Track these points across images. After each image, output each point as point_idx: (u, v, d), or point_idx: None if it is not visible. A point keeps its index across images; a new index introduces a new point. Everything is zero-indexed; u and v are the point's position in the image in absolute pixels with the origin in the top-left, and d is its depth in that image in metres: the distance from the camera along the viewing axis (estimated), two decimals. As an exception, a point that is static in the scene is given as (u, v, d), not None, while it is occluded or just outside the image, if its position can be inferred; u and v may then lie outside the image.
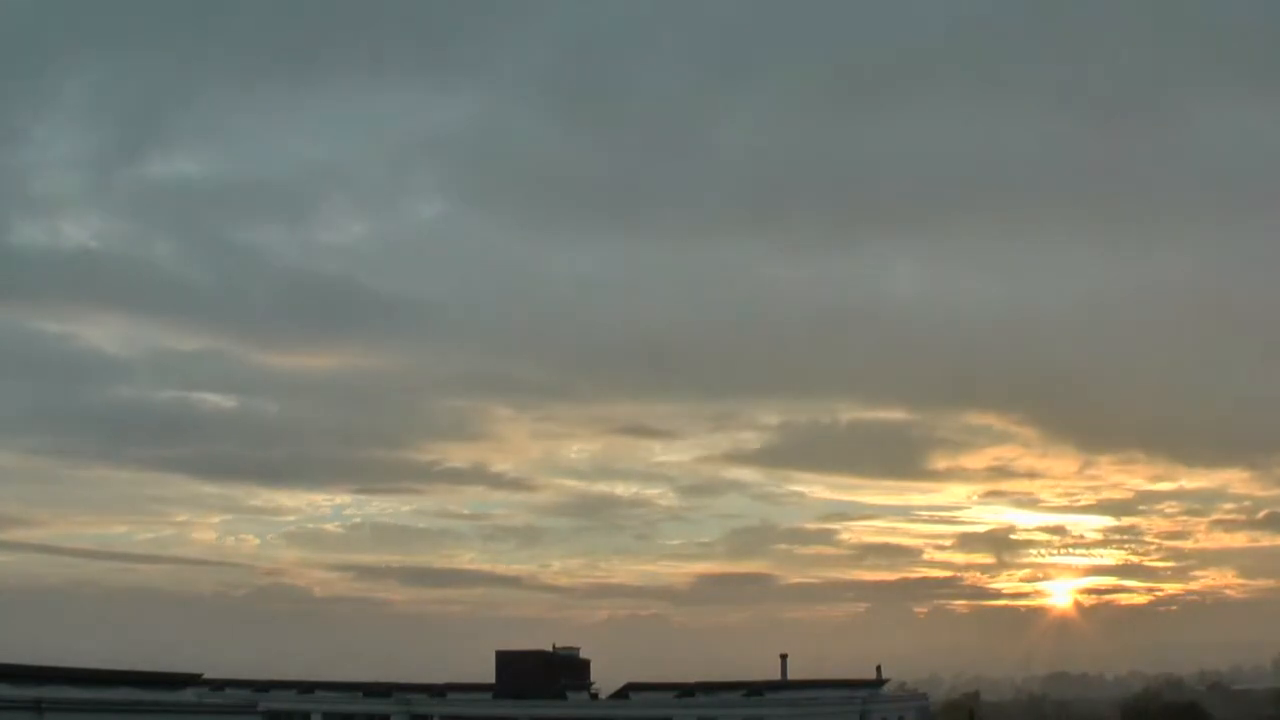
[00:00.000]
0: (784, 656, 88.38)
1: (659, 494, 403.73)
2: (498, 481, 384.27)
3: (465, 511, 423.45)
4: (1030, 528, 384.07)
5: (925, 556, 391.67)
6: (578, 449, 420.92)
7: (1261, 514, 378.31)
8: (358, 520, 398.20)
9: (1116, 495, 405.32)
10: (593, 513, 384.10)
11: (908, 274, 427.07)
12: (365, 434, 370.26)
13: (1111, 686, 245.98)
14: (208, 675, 69.54)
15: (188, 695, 63.66)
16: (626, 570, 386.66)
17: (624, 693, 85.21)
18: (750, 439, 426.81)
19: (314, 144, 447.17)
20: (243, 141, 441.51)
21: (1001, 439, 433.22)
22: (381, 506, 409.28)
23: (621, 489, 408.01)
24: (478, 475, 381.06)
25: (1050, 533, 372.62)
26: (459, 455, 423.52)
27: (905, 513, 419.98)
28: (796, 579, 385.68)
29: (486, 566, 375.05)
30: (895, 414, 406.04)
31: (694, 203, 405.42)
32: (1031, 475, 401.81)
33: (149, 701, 59.29)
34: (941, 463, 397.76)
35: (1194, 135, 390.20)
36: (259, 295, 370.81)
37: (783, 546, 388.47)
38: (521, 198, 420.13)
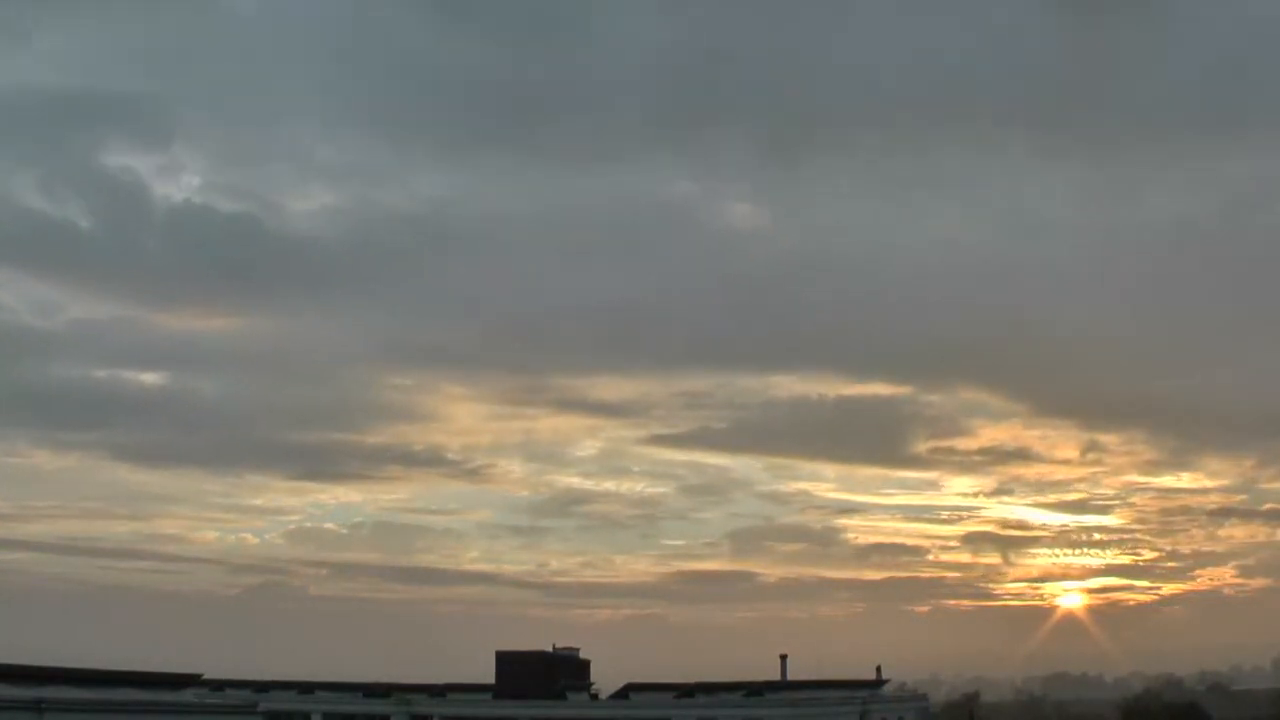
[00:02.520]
0: (784, 656, 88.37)
1: (660, 492, 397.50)
2: (458, 470, 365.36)
3: (431, 505, 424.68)
4: (1029, 527, 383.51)
5: (925, 556, 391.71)
6: (538, 432, 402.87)
7: (1264, 507, 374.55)
8: (330, 513, 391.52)
9: (1118, 491, 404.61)
10: (569, 508, 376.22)
11: (867, 210, 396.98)
12: (306, 415, 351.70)
13: (1111, 687, 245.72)
14: (208, 675, 69.53)
15: (188, 695, 63.71)
16: (626, 569, 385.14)
17: (624, 693, 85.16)
18: (727, 418, 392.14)
19: (146, 46, 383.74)
20: (59, 47, 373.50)
21: (998, 418, 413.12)
22: (339, 497, 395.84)
23: (611, 484, 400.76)
24: (434, 460, 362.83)
25: (1050, 532, 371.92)
26: (411, 438, 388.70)
27: (903, 511, 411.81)
28: (795, 578, 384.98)
29: (450, 564, 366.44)
30: (883, 389, 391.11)
31: (598, 117, 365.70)
32: (1027, 460, 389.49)
33: (149, 701, 59.31)
34: (937, 452, 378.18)
35: (1184, 32, 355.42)
36: (150, 241, 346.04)
37: (782, 545, 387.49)
38: (416, 112, 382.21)
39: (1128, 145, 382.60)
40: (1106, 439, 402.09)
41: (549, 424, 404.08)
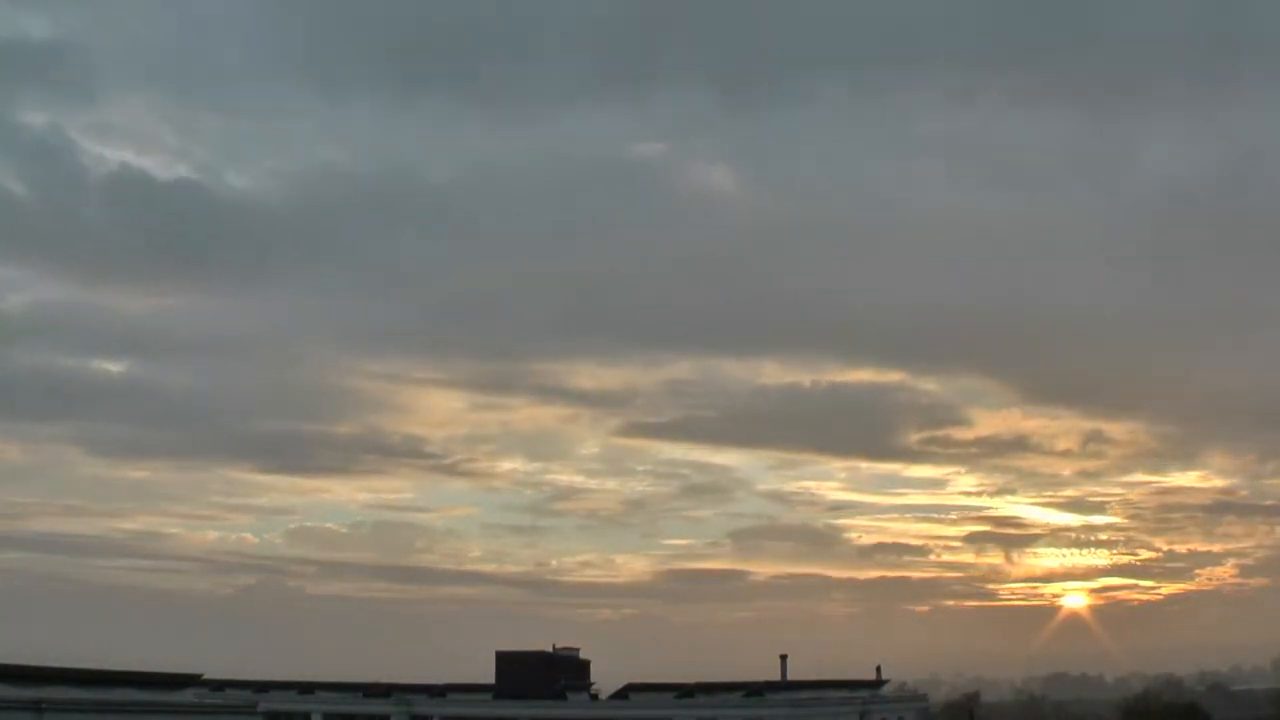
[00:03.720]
0: (784, 657, 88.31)
1: (659, 491, 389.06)
2: (439, 464, 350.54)
3: (417, 501, 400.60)
4: (1029, 525, 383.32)
5: (926, 555, 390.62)
6: (516, 423, 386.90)
7: (1266, 503, 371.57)
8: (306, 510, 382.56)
9: (1118, 488, 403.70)
10: (560, 505, 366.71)
11: (846, 172, 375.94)
12: (275, 404, 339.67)
13: (1111, 687, 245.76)
14: (208, 675, 69.51)
15: (188, 695, 63.67)
16: (626, 569, 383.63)
17: (624, 693, 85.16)
18: (715, 406, 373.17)
19: None
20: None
21: (994, 406, 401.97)
22: (325, 491, 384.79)
23: (608, 482, 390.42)
24: (412, 452, 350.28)
25: (1049, 531, 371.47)
26: (386, 428, 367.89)
27: (904, 510, 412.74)
28: (794, 577, 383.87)
29: (450, 564, 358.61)
30: (876, 375, 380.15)
31: (555, 68, 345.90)
32: (1025, 451, 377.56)
33: (149, 702, 59.24)
34: (932, 443, 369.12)
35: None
36: (89, 212, 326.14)
37: (781, 544, 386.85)
38: (365, 65, 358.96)
39: (1119, 94, 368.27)
40: (1107, 428, 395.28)
41: (528, 414, 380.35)
